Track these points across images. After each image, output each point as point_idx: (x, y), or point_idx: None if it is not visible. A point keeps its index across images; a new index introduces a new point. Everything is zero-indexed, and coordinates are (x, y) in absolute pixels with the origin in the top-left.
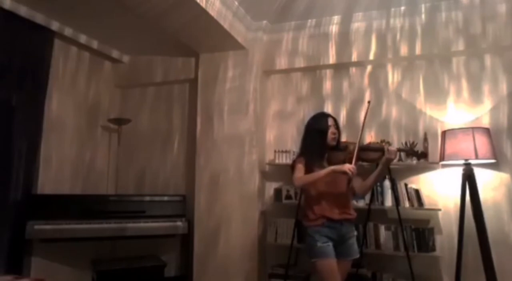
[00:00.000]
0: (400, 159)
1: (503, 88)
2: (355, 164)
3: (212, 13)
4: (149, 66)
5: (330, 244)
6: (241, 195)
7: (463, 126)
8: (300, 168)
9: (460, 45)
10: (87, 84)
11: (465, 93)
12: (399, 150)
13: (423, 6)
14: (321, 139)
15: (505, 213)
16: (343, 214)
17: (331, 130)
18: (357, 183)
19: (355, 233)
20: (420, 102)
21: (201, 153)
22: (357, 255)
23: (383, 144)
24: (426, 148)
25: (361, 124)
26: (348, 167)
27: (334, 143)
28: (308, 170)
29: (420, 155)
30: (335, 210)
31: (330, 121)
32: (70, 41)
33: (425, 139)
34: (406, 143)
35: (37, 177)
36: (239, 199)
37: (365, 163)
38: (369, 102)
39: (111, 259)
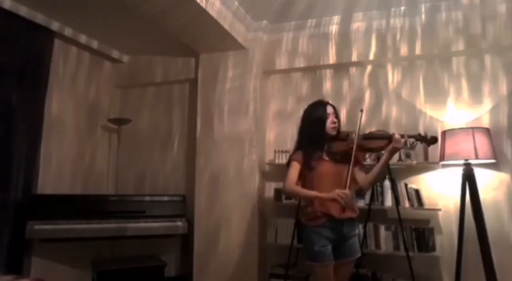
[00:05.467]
0: (400, 159)
1: (503, 88)
2: (350, 184)
3: (212, 13)
4: (149, 66)
5: (329, 247)
6: (241, 195)
7: (463, 126)
8: (295, 168)
9: (460, 45)
10: (87, 84)
11: (465, 93)
12: (409, 136)
13: (423, 6)
14: (319, 128)
15: (505, 213)
16: (346, 212)
17: (331, 118)
18: (360, 177)
19: (357, 231)
20: (420, 102)
21: (201, 153)
22: (359, 254)
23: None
24: (426, 148)
25: (355, 135)
26: (338, 193)
27: (334, 132)
28: (306, 165)
29: (430, 140)
30: (338, 208)
31: (329, 109)
32: (70, 41)
33: None
34: (406, 143)
35: (37, 177)
36: (239, 199)
37: (370, 153)
38: (361, 110)
39: (111, 259)
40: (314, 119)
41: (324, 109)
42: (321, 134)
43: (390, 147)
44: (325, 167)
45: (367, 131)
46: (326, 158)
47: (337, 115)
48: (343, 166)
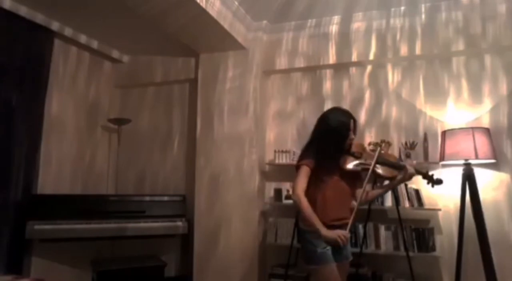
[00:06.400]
0: (400, 159)
1: (503, 88)
2: (352, 224)
3: (212, 13)
4: (149, 66)
5: (330, 248)
6: (241, 195)
7: (463, 126)
8: (306, 173)
9: (460, 45)
10: (87, 84)
11: (465, 93)
12: (417, 172)
13: (423, 6)
14: (341, 141)
15: (505, 213)
16: (345, 219)
17: (350, 135)
18: (359, 193)
19: (349, 235)
20: (420, 102)
21: (201, 153)
22: (351, 257)
23: (401, 160)
24: (426, 148)
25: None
26: (339, 235)
27: (347, 148)
28: (317, 174)
29: (435, 181)
30: (337, 217)
31: (352, 124)
32: (70, 41)
33: (425, 139)
34: (406, 143)
35: (37, 177)
36: (239, 199)
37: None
38: (380, 146)
39: (111, 259)
40: (338, 131)
41: (349, 122)
42: (341, 148)
43: (399, 177)
44: (334, 181)
45: (366, 132)
46: (336, 173)
47: (354, 131)
48: (348, 186)
